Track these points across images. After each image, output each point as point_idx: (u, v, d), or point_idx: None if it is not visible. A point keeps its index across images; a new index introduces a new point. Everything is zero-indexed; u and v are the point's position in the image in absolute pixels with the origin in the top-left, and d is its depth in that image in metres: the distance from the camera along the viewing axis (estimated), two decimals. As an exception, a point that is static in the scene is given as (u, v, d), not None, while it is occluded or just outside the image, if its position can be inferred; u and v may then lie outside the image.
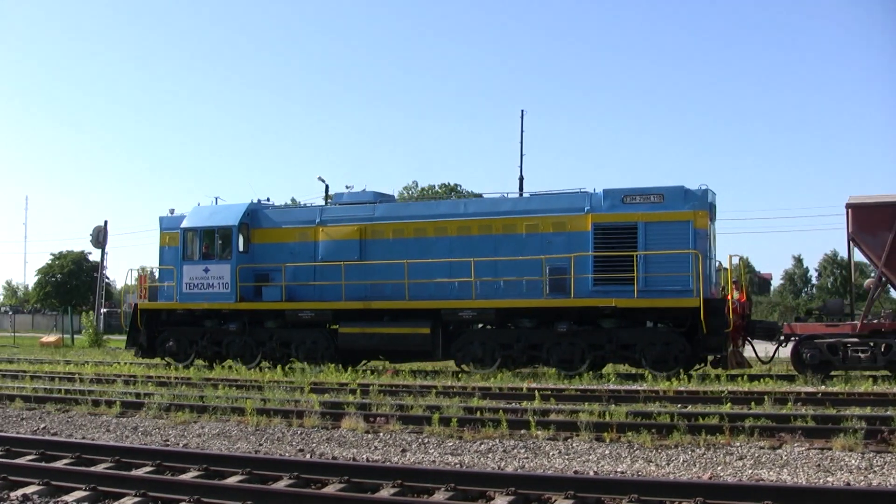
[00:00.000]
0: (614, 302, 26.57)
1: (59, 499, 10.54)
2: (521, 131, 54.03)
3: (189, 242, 32.53)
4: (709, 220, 27.09)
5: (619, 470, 12.27)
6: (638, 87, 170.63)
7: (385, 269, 29.83)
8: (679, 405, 18.46)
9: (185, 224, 32.73)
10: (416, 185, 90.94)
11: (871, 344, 24.37)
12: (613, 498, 9.90)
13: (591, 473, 11.94)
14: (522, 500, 10.18)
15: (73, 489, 10.88)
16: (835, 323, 25.62)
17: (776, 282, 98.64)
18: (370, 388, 21.55)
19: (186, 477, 11.39)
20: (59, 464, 12.31)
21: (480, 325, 29.49)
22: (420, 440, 14.87)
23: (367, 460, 13.20)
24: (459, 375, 26.90)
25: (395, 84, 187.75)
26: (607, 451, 13.59)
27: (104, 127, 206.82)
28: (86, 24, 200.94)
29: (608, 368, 27.40)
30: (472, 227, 29.20)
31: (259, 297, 31.78)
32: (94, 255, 78.83)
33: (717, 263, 28.49)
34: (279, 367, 28.70)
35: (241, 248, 31.95)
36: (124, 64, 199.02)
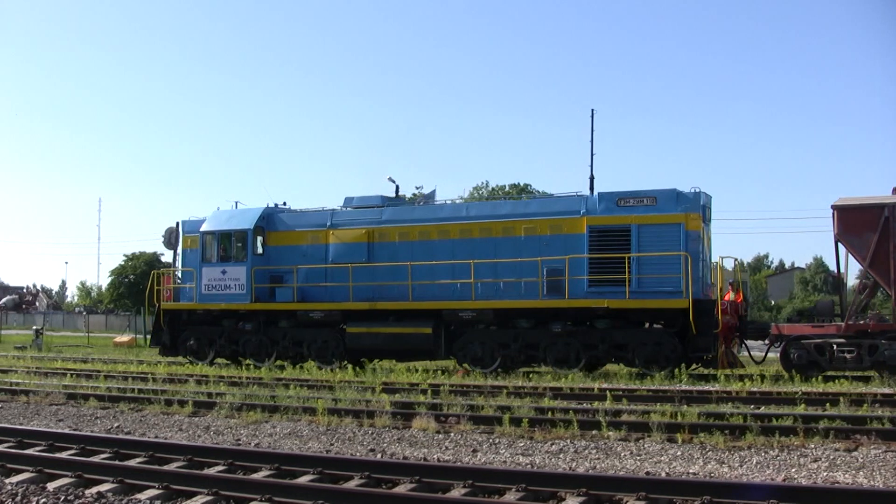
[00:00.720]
0: (606, 303, 27.20)
1: (132, 497, 10.62)
2: (592, 130, 53.77)
3: (208, 245, 33.85)
4: (701, 222, 27.42)
5: (691, 471, 12.17)
6: (718, 84, 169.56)
7: (391, 271, 30.78)
8: (752, 406, 18.27)
9: (203, 228, 34.02)
10: (487, 185, 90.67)
11: (858, 345, 24.57)
12: (686, 499, 9.79)
13: (663, 474, 11.86)
14: (594, 500, 10.11)
15: (147, 487, 10.96)
16: (820, 324, 25.91)
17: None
18: (441, 388, 21.54)
19: (258, 476, 11.43)
20: (132, 462, 12.40)
21: (484, 326, 29.81)
22: (491, 440, 14.84)
23: (438, 460, 13.18)
24: (530, 376, 26.86)
25: (465, 84, 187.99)
26: (679, 453, 13.49)
27: (176, 128, 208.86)
28: (163, 29, 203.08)
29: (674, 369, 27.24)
30: (474, 229, 29.98)
31: (273, 298, 32.88)
32: (166, 257, 79.52)
33: (719, 262, 28.87)
34: (351, 367, 29.12)
35: (256, 250, 33.07)
36: (199, 66, 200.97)
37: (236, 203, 35.49)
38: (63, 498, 10.49)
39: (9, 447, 13.86)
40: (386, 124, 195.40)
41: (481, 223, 29.97)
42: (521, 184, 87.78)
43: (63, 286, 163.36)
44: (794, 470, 12.12)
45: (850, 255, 25.88)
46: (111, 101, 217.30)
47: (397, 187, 50.42)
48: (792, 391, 20.25)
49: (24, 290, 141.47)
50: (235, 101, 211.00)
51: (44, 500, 10.47)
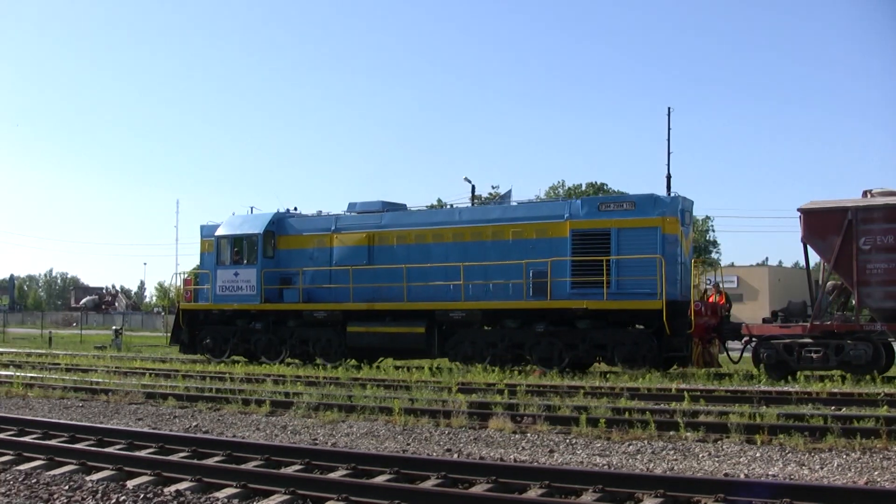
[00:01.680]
0: (585, 304, 28.46)
1: (210, 495, 10.67)
2: (668, 129, 53.67)
3: (222, 249, 35.91)
4: (679, 226, 28.50)
5: (770, 473, 12.01)
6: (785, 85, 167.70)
7: (389, 273, 32.32)
8: (833, 407, 18.03)
9: (218, 232, 36.14)
10: (563, 184, 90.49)
11: (825, 345, 25.07)
12: (765, 502, 9.67)
13: (742, 476, 11.72)
14: (671, 502, 9.99)
15: (224, 486, 11.01)
16: (787, 324, 26.48)
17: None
18: (517, 388, 21.47)
19: (335, 476, 11.43)
20: (210, 461, 12.46)
21: (474, 326, 31.06)
22: (568, 441, 14.76)
23: (515, 461, 13.13)
24: (607, 376, 26.75)
25: (541, 85, 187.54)
26: (758, 454, 13.33)
27: (250, 131, 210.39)
28: (239, 43, 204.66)
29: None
30: (466, 233, 31.49)
31: (282, 299, 34.95)
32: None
33: (696, 264, 29.90)
34: (429, 366, 29.33)
35: (266, 253, 34.88)
36: (266, 68, 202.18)
37: (251, 208, 37.58)
38: (142, 496, 10.58)
39: (89, 445, 14.02)
40: (464, 124, 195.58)
41: (473, 227, 31.51)
42: (598, 183, 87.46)
43: (142, 287, 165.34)
44: (876, 473, 11.93)
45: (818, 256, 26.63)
46: (185, 108, 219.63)
47: (473, 187, 51.06)
48: (874, 392, 19.96)
49: (104, 291, 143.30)
50: (302, 105, 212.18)
51: (123, 497, 10.56)
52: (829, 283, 27.19)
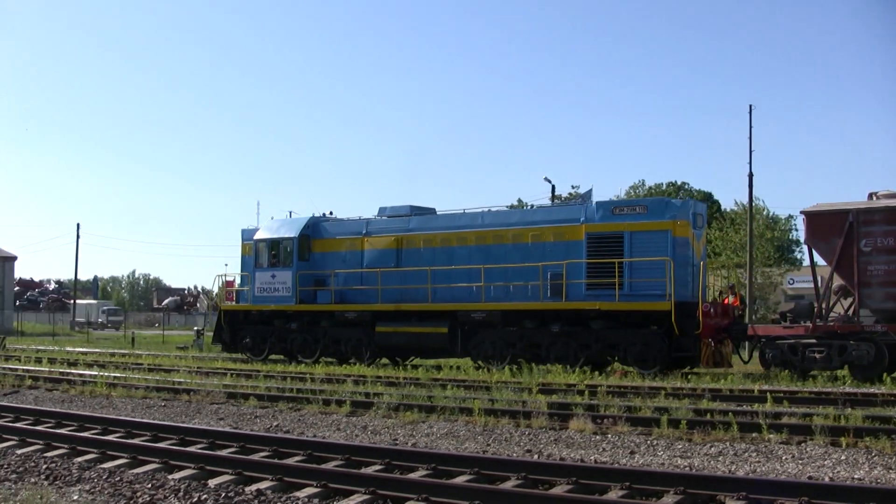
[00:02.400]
0: (598, 305, 29.41)
1: (291, 495, 10.70)
2: (750, 127, 53.00)
3: (260, 252, 37.61)
4: (691, 229, 29.60)
5: (856, 476, 11.84)
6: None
7: (416, 275, 33.65)
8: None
9: (256, 236, 37.92)
10: (643, 184, 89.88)
11: (828, 345, 25.66)
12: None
13: (826, 479, 11.56)
14: (753, 505, 9.91)
15: (305, 486, 11.04)
16: (791, 325, 27.31)
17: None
18: (598, 389, 21.41)
19: (415, 476, 11.43)
20: (290, 461, 12.50)
21: (494, 326, 32.00)
22: (649, 442, 14.66)
23: (595, 462, 13.06)
24: (689, 377, 26.57)
25: (623, 84, 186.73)
26: (843, 457, 13.12)
27: (322, 133, 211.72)
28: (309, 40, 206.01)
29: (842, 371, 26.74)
30: (488, 236, 32.69)
31: (316, 300, 36.45)
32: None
33: (704, 266, 30.37)
34: (507, 368, 29.04)
35: (300, 256, 36.46)
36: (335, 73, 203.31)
37: (290, 213, 39.07)
38: (224, 495, 10.64)
39: (172, 444, 14.15)
40: (544, 123, 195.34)
41: (494, 231, 32.69)
42: (678, 182, 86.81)
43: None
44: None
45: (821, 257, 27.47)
46: (266, 112, 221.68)
47: (553, 187, 51.32)
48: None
49: (186, 292, 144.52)
50: (380, 107, 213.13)
51: (205, 496, 10.64)
52: (836, 284, 27.45)
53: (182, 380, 25.84)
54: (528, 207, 33.49)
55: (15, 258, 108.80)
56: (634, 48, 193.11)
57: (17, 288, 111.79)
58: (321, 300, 36.29)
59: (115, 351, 42.25)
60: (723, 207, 78.00)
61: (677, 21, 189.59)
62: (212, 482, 11.45)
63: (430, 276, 32.94)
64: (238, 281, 39.95)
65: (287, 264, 36.60)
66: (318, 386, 23.76)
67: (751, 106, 53.44)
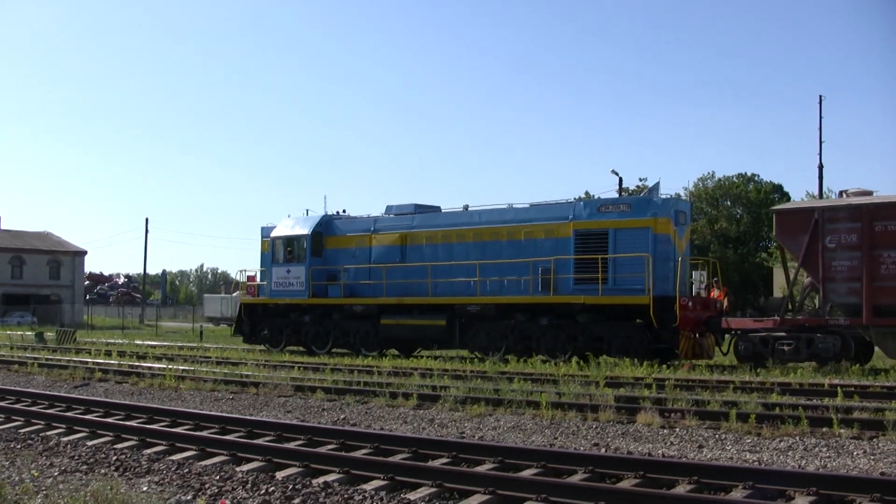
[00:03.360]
0: (583, 299, 30.84)
1: (357, 487, 10.70)
2: (820, 118, 52.67)
3: (277, 248, 39.86)
4: (672, 225, 30.84)
5: (930, 472, 11.68)
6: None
7: (417, 270, 35.56)
8: None
9: (273, 234, 40.21)
10: (713, 176, 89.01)
11: (797, 338, 27.13)
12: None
13: (901, 475, 11.41)
14: (824, 500, 9.73)
15: (371, 478, 11.05)
16: (760, 319, 29.30)
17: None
18: (666, 382, 21.29)
19: (481, 469, 11.41)
20: (358, 453, 12.53)
21: (489, 319, 33.67)
22: (717, 436, 14.54)
23: (663, 456, 12.97)
24: (757, 371, 26.37)
25: (691, 74, 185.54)
26: (917, 452, 12.96)
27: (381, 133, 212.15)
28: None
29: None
30: (484, 233, 34.35)
31: (327, 294, 38.43)
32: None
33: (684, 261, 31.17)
34: (574, 361, 29.45)
35: (314, 252, 38.58)
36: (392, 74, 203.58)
37: (307, 210, 40.95)
38: (291, 487, 10.67)
39: (239, 437, 14.22)
40: (612, 115, 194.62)
41: (490, 228, 34.32)
42: (748, 174, 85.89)
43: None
44: None
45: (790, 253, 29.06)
46: (326, 107, 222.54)
47: (620, 179, 51.54)
48: None
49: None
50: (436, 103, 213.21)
51: (273, 488, 10.67)
52: (807, 279, 29.04)
53: (250, 373, 26.03)
54: (522, 205, 34.68)
55: (85, 253, 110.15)
56: (705, 38, 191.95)
57: (87, 282, 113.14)
58: (332, 294, 38.26)
59: (184, 344, 42.73)
60: (793, 199, 77.18)
61: (747, 10, 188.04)
62: (279, 474, 11.49)
63: (430, 271, 34.91)
64: (259, 276, 42.33)
65: (301, 260, 38.74)
66: (385, 379, 23.82)
67: (821, 97, 53.05)
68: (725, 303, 32.54)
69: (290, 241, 39.35)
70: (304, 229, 38.95)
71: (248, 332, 41.32)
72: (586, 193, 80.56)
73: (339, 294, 37.89)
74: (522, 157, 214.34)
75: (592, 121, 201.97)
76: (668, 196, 31.24)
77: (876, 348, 28.30)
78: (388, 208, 38.37)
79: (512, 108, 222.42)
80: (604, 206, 31.96)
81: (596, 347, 30.92)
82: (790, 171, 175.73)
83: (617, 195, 47.83)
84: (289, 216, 40.92)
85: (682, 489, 10.23)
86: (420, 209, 37.59)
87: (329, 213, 40.16)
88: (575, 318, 31.52)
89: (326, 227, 39.14)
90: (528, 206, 34.43)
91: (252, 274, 43.72)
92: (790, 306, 28.56)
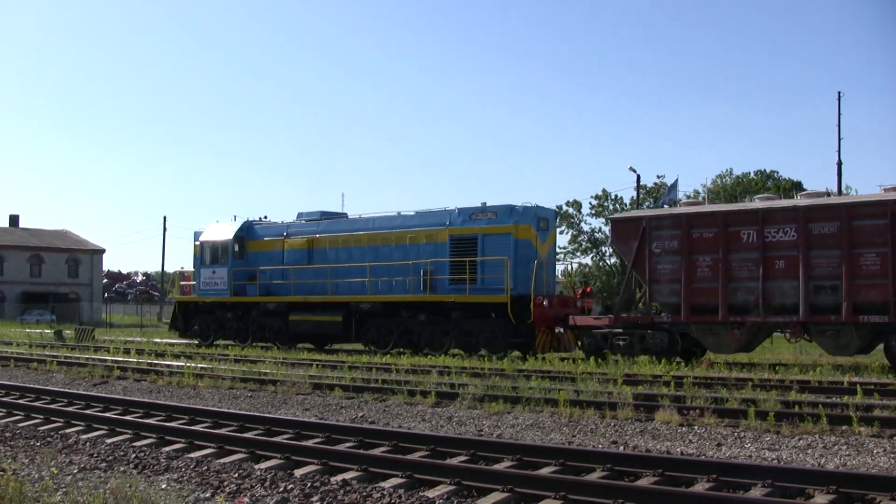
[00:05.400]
0: (453, 297, 34.38)
1: (376, 485, 10.71)
2: (839, 114, 52.55)
3: (204, 251, 43.59)
4: (533, 231, 34.11)
5: (951, 470, 11.62)
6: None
7: (320, 271, 39.16)
8: None
9: (201, 238, 44.09)
10: (731, 173, 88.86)
11: (631, 334, 29.89)
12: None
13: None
14: (844, 499, 9.70)
15: (390, 476, 11.05)
16: (598, 317, 32.36)
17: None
18: (684, 380, 21.26)
19: (499, 467, 11.41)
20: (376, 451, 12.54)
21: (380, 316, 37.22)
22: (736, 434, 14.50)
23: (682, 453, 12.94)
24: (777, 368, 26.34)
25: (709, 70, 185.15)
26: (938, 451, 12.90)
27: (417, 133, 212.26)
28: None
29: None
30: (376, 238, 37.93)
31: (246, 293, 42.02)
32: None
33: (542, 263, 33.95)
34: (592, 359, 29.38)
35: (235, 255, 42.31)
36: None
37: (234, 216, 44.74)
38: (309, 485, 10.68)
39: (258, 435, 14.23)
40: (628, 112, 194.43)
41: (382, 233, 37.84)
42: (767, 170, 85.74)
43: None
44: None
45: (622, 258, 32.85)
46: (348, 108, 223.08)
47: (638, 177, 52.27)
48: None
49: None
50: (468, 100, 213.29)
51: (291, 485, 10.69)
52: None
53: (268, 371, 26.01)
54: (405, 213, 38.66)
55: (103, 251, 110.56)
56: (723, 34, 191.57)
57: (105, 280, 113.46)
58: (250, 293, 41.89)
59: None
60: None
61: (766, 6, 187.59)
62: (297, 472, 11.50)
63: (329, 272, 38.62)
64: (190, 275, 46.50)
65: (224, 262, 42.50)
66: (403, 377, 23.80)
67: (839, 93, 52.89)
68: (585, 302, 35.17)
69: (215, 245, 43.16)
70: (226, 234, 42.81)
71: (182, 327, 45.48)
72: (603, 191, 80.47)
73: (256, 293, 41.56)
74: (537, 154, 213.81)
75: (610, 118, 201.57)
76: (530, 205, 34.27)
77: None
78: (300, 215, 42.37)
79: (528, 104, 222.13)
80: (474, 214, 35.11)
81: (467, 341, 34.42)
82: (810, 168, 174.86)
83: (634, 192, 52.49)
84: (217, 221, 44.93)
85: (700, 487, 10.20)
86: (326, 216, 41.62)
87: (251, 219, 44.05)
88: (449, 314, 34.86)
89: (248, 231, 43.01)
90: (413, 213, 37.90)
91: (189, 273, 47.12)
92: (628, 306, 32.01)
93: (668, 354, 28.92)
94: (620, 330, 30.08)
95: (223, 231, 43.22)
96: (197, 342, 44.01)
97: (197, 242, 44.48)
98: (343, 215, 41.93)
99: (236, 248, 42.42)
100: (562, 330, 33.20)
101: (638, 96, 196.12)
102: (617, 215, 33.22)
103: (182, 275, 50.12)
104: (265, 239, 42.20)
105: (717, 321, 28.53)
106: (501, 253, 33.52)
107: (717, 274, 28.50)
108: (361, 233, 38.60)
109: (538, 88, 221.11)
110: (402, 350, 35.90)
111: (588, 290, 35.97)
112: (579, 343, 32.67)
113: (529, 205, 34.53)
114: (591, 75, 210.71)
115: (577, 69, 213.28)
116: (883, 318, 26.04)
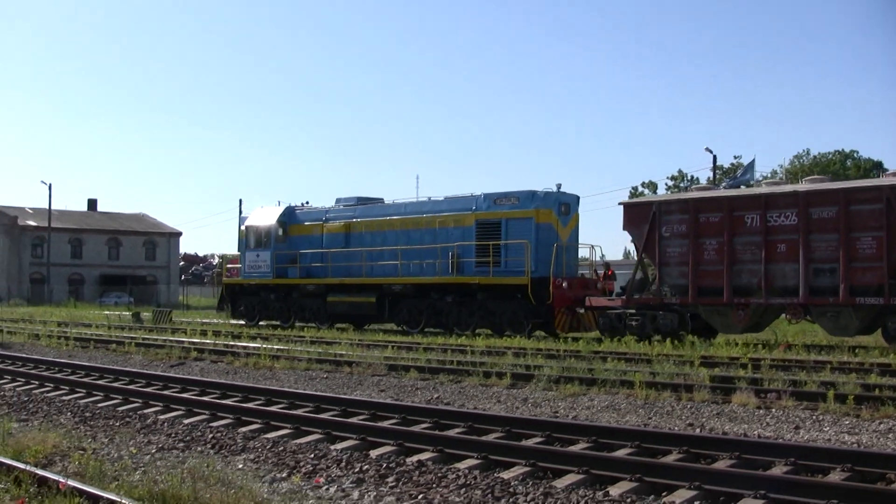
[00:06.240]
0: (478, 279, 36.02)
1: (451, 466, 10.67)
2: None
3: (249, 236, 45.60)
4: (554, 215, 35.46)
5: None
6: None
7: (356, 255, 40.81)
8: None
9: (246, 223, 46.49)
10: (808, 153, 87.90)
11: (643, 315, 30.73)
12: None
13: None
14: (926, 484, 9.59)
15: (465, 457, 11.04)
16: (612, 298, 33.21)
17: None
18: (761, 362, 21.04)
19: (575, 449, 11.37)
20: (451, 432, 12.56)
21: (410, 297, 38.68)
22: (814, 417, 14.36)
23: (759, 436, 12.83)
24: (856, 350, 26.04)
25: (786, 50, 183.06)
26: None
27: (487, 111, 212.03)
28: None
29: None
30: (408, 223, 39.56)
31: (287, 276, 43.77)
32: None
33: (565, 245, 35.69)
34: (668, 341, 29.33)
35: (278, 239, 44.11)
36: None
37: (279, 202, 46.43)
38: (385, 465, 10.71)
39: (333, 416, 14.28)
40: (705, 91, 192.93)
41: (414, 218, 39.45)
42: (846, 150, 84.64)
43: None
44: None
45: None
46: (424, 87, 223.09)
47: (714, 157, 52.21)
48: None
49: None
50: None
51: (366, 466, 10.72)
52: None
53: (344, 352, 26.15)
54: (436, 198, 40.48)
55: (180, 234, 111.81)
56: (799, 8, 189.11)
57: (182, 263, 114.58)
58: (291, 275, 43.67)
59: (278, 324, 43.28)
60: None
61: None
62: (373, 453, 11.54)
63: (364, 255, 40.22)
64: (237, 259, 48.46)
65: (267, 246, 44.27)
66: (478, 358, 23.83)
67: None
68: (607, 284, 36.09)
69: (259, 230, 44.97)
70: (269, 220, 44.77)
71: (229, 308, 47.77)
72: (679, 172, 79.96)
73: (297, 275, 43.38)
74: (614, 135, 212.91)
75: (687, 99, 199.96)
76: (551, 190, 36.07)
77: None
78: (338, 200, 44.15)
79: (604, 84, 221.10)
80: (499, 199, 36.61)
81: (492, 321, 35.86)
82: (892, 147, 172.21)
83: (710, 173, 53.15)
84: (261, 207, 47.16)
85: (778, 470, 10.10)
86: (362, 201, 43.24)
87: (293, 204, 45.81)
88: (475, 296, 36.36)
89: (290, 216, 44.78)
90: (442, 198, 39.65)
91: (236, 257, 49.58)
92: (641, 287, 32.22)
93: (677, 334, 29.98)
94: (633, 311, 31.09)
95: (267, 216, 45.26)
96: (243, 322, 45.65)
97: (243, 227, 46.73)
98: (379, 200, 43.52)
99: (280, 233, 44.18)
100: (582, 311, 34.20)
101: (716, 75, 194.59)
102: (628, 200, 33.64)
103: (229, 258, 53.82)
104: (305, 224, 44.04)
105: (722, 303, 29.35)
106: (523, 237, 34.91)
107: (722, 257, 29.32)
108: (394, 217, 40.31)
109: (615, 67, 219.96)
110: (431, 330, 37.23)
111: (610, 272, 37.01)
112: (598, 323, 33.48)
113: (551, 190, 36.13)
114: (666, 54, 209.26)
115: (654, 48, 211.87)
116: (878, 300, 26.60)
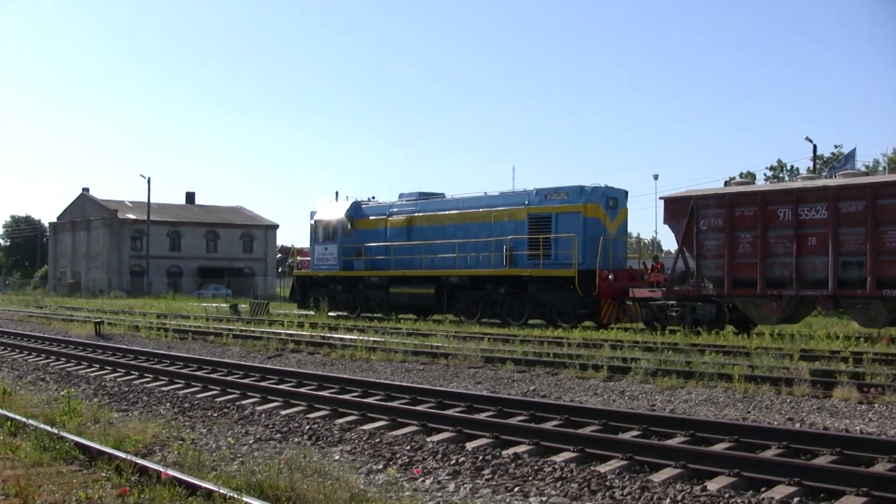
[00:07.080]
0: (528, 272, 36.93)
1: (547, 458, 10.69)
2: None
3: (318, 230, 47.30)
4: (602, 210, 36.41)
5: None
6: None
7: (418, 248, 41.99)
8: None
9: (315, 217, 47.79)
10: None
11: (683, 306, 31.50)
12: None
13: None
14: None
15: (562, 450, 11.02)
16: (653, 289, 33.64)
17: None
18: (863, 356, 20.69)
19: (672, 442, 11.29)
20: (547, 425, 12.50)
21: (467, 288, 40.08)
22: (919, 413, 14.10)
23: (861, 432, 12.61)
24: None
25: (883, 32, 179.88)
26: None
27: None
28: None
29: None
30: (465, 217, 40.69)
31: (353, 268, 45.40)
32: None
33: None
34: (768, 333, 29.04)
35: (344, 233, 45.61)
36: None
37: (346, 196, 49.45)
38: (481, 458, 10.71)
39: (430, 408, 14.32)
40: (804, 78, 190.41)
41: (471, 212, 40.50)
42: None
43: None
44: None
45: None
46: (527, 74, 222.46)
47: (815, 147, 51.91)
48: None
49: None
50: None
51: (462, 458, 10.74)
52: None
53: (439, 344, 26.15)
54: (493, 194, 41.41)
55: (277, 227, 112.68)
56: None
57: (278, 255, 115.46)
58: (357, 268, 45.25)
59: (374, 317, 43.46)
60: None
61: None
62: (469, 445, 11.54)
63: (424, 248, 41.49)
64: (307, 252, 50.35)
65: (334, 239, 45.97)
66: (574, 350, 23.75)
67: None
68: (655, 276, 35.91)
69: (327, 224, 46.56)
70: (337, 214, 46.31)
71: (300, 299, 49.58)
72: (778, 162, 79.01)
73: (362, 267, 44.87)
74: (715, 125, 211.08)
75: (786, 88, 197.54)
76: (599, 185, 36.97)
77: None
78: (400, 195, 45.68)
79: (703, 74, 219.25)
80: (549, 194, 37.50)
81: (542, 312, 37.19)
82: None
83: (811, 163, 53.63)
84: (329, 202, 49.31)
85: (881, 467, 9.94)
86: (423, 196, 44.63)
87: (359, 199, 47.69)
88: (527, 287, 37.38)
89: (356, 211, 46.03)
90: (498, 193, 40.78)
91: (306, 250, 51.42)
92: (682, 279, 32.80)
93: (715, 325, 30.76)
94: (674, 302, 31.90)
95: (335, 211, 46.86)
96: (312, 313, 46.73)
97: (312, 221, 48.03)
98: (440, 195, 44.78)
99: (347, 227, 45.52)
100: (629, 302, 34.85)
101: (814, 63, 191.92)
102: (668, 195, 34.18)
103: (300, 251, 55.31)
104: (370, 218, 45.26)
105: (756, 294, 30.01)
106: (571, 230, 35.89)
107: (756, 250, 29.95)
108: (453, 212, 41.48)
109: (712, 58, 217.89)
110: (487, 320, 38.63)
111: (659, 265, 37.17)
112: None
113: (599, 185, 37.06)
114: (763, 42, 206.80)
115: (749, 36, 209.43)
116: None
